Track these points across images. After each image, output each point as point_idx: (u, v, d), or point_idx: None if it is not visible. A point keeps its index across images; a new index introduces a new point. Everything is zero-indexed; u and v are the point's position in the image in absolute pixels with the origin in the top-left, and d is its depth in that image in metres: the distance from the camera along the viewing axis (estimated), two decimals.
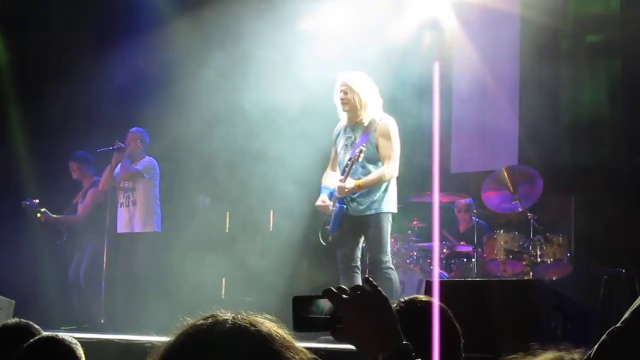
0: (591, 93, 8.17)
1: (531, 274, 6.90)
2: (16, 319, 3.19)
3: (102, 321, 7.53)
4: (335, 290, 1.59)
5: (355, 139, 6.00)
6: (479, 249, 7.37)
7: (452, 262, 7.60)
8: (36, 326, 3.18)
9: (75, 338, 2.91)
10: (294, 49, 7.80)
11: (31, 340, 2.83)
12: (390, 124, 5.96)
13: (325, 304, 1.59)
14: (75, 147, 8.49)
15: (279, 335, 1.38)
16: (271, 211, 8.50)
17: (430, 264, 7.58)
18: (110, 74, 8.44)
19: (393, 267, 6.02)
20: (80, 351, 2.84)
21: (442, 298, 2.45)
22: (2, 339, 3.07)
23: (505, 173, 7.20)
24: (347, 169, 5.86)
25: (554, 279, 7.05)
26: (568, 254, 7.00)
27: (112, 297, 7.75)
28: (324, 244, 6.05)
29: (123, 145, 7.80)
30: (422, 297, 2.54)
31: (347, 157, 5.95)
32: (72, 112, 8.87)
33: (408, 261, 7.70)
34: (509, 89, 8.39)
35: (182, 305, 6.81)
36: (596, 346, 1.62)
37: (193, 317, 1.41)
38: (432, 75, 6.32)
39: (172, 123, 8.23)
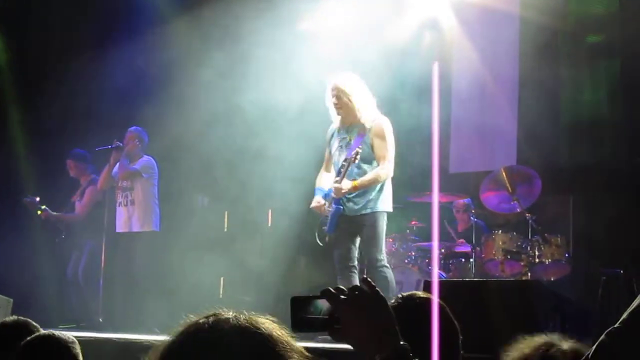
0: (590, 93, 8.17)
1: (529, 274, 6.91)
2: (14, 317, 3.19)
3: (100, 320, 7.52)
4: (333, 290, 1.59)
5: (350, 140, 6.01)
6: (477, 249, 7.37)
7: (450, 262, 7.60)
8: (34, 324, 3.18)
9: (73, 336, 2.91)
10: (294, 49, 7.80)
11: (28, 338, 2.83)
12: (385, 125, 5.97)
13: (323, 304, 1.59)
14: (74, 147, 8.49)
15: (279, 335, 1.38)
16: (270, 211, 8.50)
17: (429, 263, 7.58)
18: (109, 73, 8.44)
19: (388, 265, 6.03)
20: (77, 349, 2.84)
21: (441, 298, 2.45)
22: (1, 337, 3.07)
23: (504, 173, 7.21)
24: (342, 170, 5.88)
25: (552, 279, 7.05)
26: (566, 255, 7.01)
27: (110, 296, 7.75)
28: (320, 244, 6.06)
29: (121, 144, 7.80)
30: (421, 293, 2.53)
31: (342, 158, 5.96)
32: (71, 111, 8.86)
33: (406, 261, 7.71)
34: (508, 89, 8.40)
35: (180, 304, 6.81)
36: (594, 346, 1.62)
37: (194, 316, 1.41)
38: (432, 75, 6.32)
39: (171, 122, 8.23)
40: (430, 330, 2.08)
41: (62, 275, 8.32)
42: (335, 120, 6.10)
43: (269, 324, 1.40)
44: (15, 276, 7.93)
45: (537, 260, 6.93)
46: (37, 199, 8.25)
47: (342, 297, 1.57)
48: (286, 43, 7.83)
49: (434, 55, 8.01)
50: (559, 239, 6.99)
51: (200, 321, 1.39)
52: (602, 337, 1.62)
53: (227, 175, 8.34)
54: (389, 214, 6.10)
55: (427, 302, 2.42)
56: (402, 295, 2.50)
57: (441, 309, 2.39)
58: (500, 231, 7.24)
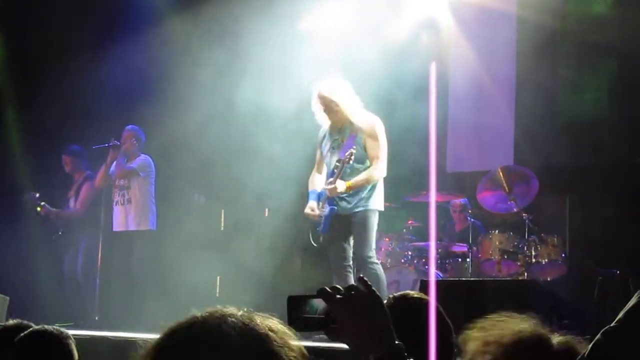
0: (588, 93, 8.17)
1: (526, 274, 6.91)
2: (17, 320, 3.18)
3: (97, 318, 7.52)
4: (329, 290, 1.59)
5: (341, 141, 6.03)
6: (474, 249, 7.38)
7: (447, 261, 7.61)
8: (34, 326, 3.17)
9: (68, 332, 2.91)
10: (291, 48, 7.80)
11: (22, 334, 2.83)
12: (377, 124, 5.99)
13: (319, 303, 1.59)
14: (70, 145, 8.49)
15: (276, 333, 1.37)
16: (266, 210, 8.49)
17: (425, 263, 7.59)
18: (107, 72, 8.43)
19: (378, 262, 6.07)
20: (72, 344, 2.84)
21: (437, 298, 2.45)
22: (2, 339, 3.06)
23: (500, 173, 7.21)
24: (336, 170, 5.90)
25: (548, 279, 7.06)
26: (563, 255, 7.02)
27: (106, 295, 7.75)
28: (315, 245, 6.08)
29: (118, 143, 7.79)
30: (414, 293, 2.54)
31: (335, 159, 5.99)
32: (69, 109, 8.84)
33: (403, 260, 7.72)
34: (505, 89, 8.41)
35: (177, 303, 6.80)
36: (590, 346, 1.63)
37: (188, 313, 1.41)
38: (429, 75, 6.33)
39: (168, 121, 8.22)
40: (422, 330, 2.08)
41: (59, 272, 8.31)
42: (324, 122, 6.12)
43: (266, 321, 1.39)
44: (12, 274, 7.91)
45: (533, 260, 6.93)
46: (37, 195, 8.25)
47: (338, 296, 1.58)
48: (284, 42, 7.83)
49: (432, 55, 8.00)
50: (555, 239, 6.99)
51: (194, 318, 1.38)
52: (598, 336, 1.62)
53: (223, 174, 8.34)
54: (384, 212, 6.12)
55: (420, 301, 2.43)
56: (394, 295, 2.51)
57: (435, 309, 2.39)
58: (497, 231, 7.25)
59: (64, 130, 8.86)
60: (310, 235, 6.10)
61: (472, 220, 7.67)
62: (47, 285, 8.40)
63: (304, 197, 6.42)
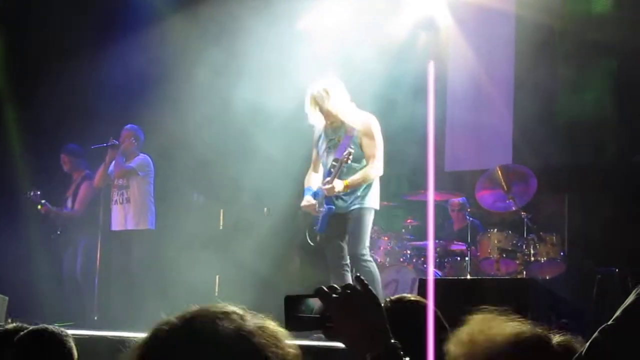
0: (586, 92, 8.18)
1: (525, 272, 6.92)
2: (17, 323, 3.18)
3: (96, 318, 7.52)
4: (326, 289, 1.59)
5: (338, 140, 6.04)
6: (473, 248, 7.38)
7: (446, 260, 7.61)
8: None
9: (67, 332, 2.91)
10: (290, 48, 7.80)
11: (22, 333, 2.83)
12: (372, 123, 6.00)
13: (315, 302, 1.60)
14: (69, 144, 8.50)
15: (264, 331, 1.36)
16: (265, 209, 8.49)
17: (424, 262, 7.59)
18: (105, 71, 8.43)
19: (372, 259, 6.08)
20: (71, 342, 2.85)
21: (436, 296, 2.46)
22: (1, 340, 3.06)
23: (499, 172, 7.22)
24: (333, 170, 5.90)
25: (547, 277, 7.06)
26: (561, 253, 7.02)
27: (106, 294, 7.75)
28: (311, 244, 6.09)
29: (117, 142, 7.80)
30: (410, 295, 2.55)
31: (331, 158, 5.99)
32: (67, 109, 8.84)
33: (402, 259, 7.72)
34: (504, 88, 8.41)
35: (176, 302, 6.80)
36: (588, 343, 1.63)
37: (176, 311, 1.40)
38: (427, 74, 6.33)
39: (167, 121, 8.22)
40: (420, 333, 2.08)
41: (58, 272, 8.31)
42: (319, 123, 6.12)
43: (255, 319, 1.38)
44: (11, 274, 7.91)
45: (532, 258, 6.94)
46: (39, 192, 8.25)
47: (334, 295, 1.58)
48: (282, 42, 7.83)
49: (430, 54, 8.01)
50: (554, 237, 7.00)
51: (178, 316, 1.37)
52: (596, 334, 1.63)
53: (223, 174, 8.35)
54: (383, 211, 6.12)
55: (417, 304, 2.43)
56: (391, 299, 2.51)
57: (429, 310, 2.39)
58: (495, 230, 7.25)
59: (63, 129, 8.86)
60: (307, 234, 6.10)
61: (471, 219, 7.67)
62: (47, 285, 8.40)
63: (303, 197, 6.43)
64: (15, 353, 2.78)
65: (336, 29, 7.85)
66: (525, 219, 7.09)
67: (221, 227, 8.74)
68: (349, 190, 5.93)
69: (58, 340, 2.82)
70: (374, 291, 1.62)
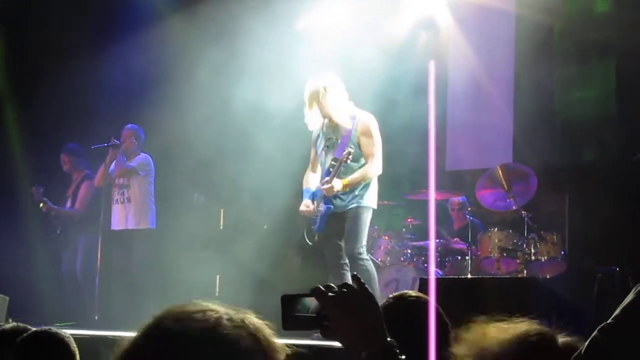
0: (586, 91, 8.18)
1: (525, 271, 6.91)
2: (14, 323, 3.18)
3: (96, 318, 7.52)
4: (322, 288, 1.59)
5: (336, 139, 6.03)
6: (473, 247, 7.38)
7: (446, 259, 7.61)
8: (32, 328, 3.17)
9: (69, 334, 2.91)
10: (290, 48, 7.79)
11: (25, 335, 2.82)
12: (370, 122, 5.98)
13: (311, 302, 1.60)
14: (69, 143, 8.50)
15: (243, 325, 1.34)
16: (265, 208, 8.50)
17: (425, 261, 7.59)
18: (106, 71, 8.43)
19: (368, 257, 6.07)
20: (73, 345, 2.84)
21: (437, 295, 2.46)
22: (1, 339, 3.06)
23: (499, 171, 7.21)
24: (332, 169, 5.89)
25: (547, 277, 7.06)
26: (562, 252, 7.02)
27: (106, 294, 7.75)
28: (310, 243, 6.09)
29: (118, 142, 7.80)
30: (412, 292, 2.54)
31: (330, 158, 5.99)
32: (68, 109, 8.84)
33: (402, 259, 7.72)
34: (504, 87, 8.41)
35: (176, 302, 6.78)
36: (587, 342, 1.63)
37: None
38: (428, 74, 6.34)
39: (168, 120, 8.22)
40: (421, 329, 2.08)
41: (58, 272, 8.32)
42: (317, 123, 6.10)
43: (245, 316, 1.36)
44: (11, 274, 7.91)
45: (532, 257, 6.93)
46: (42, 190, 8.25)
47: (330, 294, 1.58)
48: (282, 42, 7.83)
49: (430, 54, 8.01)
50: (554, 236, 6.99)
51: (168, 313, 1.36)
52: (595, 333, 1.63)
53: (223, 174, 8.35)
54: (384, 211, 6.12)
55: (418, 301, 2.43)
56: (393, 295, 2.51)
57: (431, 307, 2.39)
58: (496, 229, 7.24)
59: (63, 129, 8.87)
60: (305, 234, 6.11)
61: (471, 218, 7.67)
62: (47, 285, 8.40)
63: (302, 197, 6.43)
64: (16, 355, 2.77)
65: (336, 29, 7.84)
66: (526, 218, 7.09)
67: (221, 227, 8.74)
68: (347, 190, 5.93)
69: (62, 343, 2.81)
70: (370, 290, 1.62)
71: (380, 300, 2.01)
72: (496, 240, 7.11)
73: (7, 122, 9.20)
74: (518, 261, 7.00)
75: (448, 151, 8.58)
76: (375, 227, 7.67)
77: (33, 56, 9.16)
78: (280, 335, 1.40)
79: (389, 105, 7.67)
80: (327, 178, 5.91)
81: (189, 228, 8.24)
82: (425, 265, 7.53)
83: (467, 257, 7.34)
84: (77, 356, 2.85)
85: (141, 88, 8.34)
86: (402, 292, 2.51)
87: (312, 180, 6.21)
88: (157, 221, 7.80)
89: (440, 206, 8.19)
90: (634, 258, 6.68)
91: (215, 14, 8.05)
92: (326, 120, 6.06)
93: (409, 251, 7.75)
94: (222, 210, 8.78)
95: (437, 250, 7.58)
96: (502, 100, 8.36)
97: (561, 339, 1.88)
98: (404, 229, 8.05)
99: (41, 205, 8.21)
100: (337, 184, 5.84)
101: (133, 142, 7.80)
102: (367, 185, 5.97)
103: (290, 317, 1.59)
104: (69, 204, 8.34)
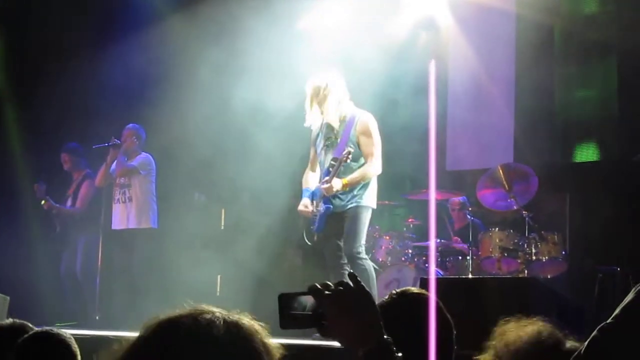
0: (587, 91, 8.18)
1: (526, 271, 6.91)
2: (10, 320, 3.18)
3: (97, 317, 7.52)
4: (319, 286, 1.59)
5: (335, 139, 6.02)
6: (474, 247, 7.37)
7: (447, 259, 7.60)
8: (31, 326, 3.17)
9: (70, 334, 2.91)
10: (290, 48, 7.79)
11: (26, 336, 2.82)
12: (370, 121, 5.97)
13: (307, 300, 1.60)
14: (69, 142, 8.50)
15: (238, 327, 1.35)
16: (266, 209, 8.49)
17: (425, 261, 7.59)
18: (106, 71, 8.44)
19: (367, 257, 6.06)
20: (74, 346, 2.84)
21: (438, 295, 2.45)
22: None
23: (500, 171, 7.21)
24: (331, 169, 5.88)
25: (548, 276, 7.06)
26: (563, 252, 7.01)
27: (107, 294, 7.74)
28: (309, 243, 6.08)
29: (119, 141, 7.81)
30: (414, 289, 2.53)
31: (329, 157, 5.98)
32: (69, 109, 8.85)
33: (403, 259, 7.72)
34: (504, 87, 8.41)
35: (177, 301, 6.78)
36: (587, 342, 1.63)
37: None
38: (428, 74, 6.33)
39: (169, 120, 8.22)
40: (423, 326, 2.08)
41: (58, 272, 8.31)
42: (317, 121, 6.10)
43: (238, 318, 1.37)
44: (12, 273, 7.91)
45: (533, 257, 6.93)
46: (44, 187, 8.24)
47: (327, 292, 1.58)
48: (282, 42, 7.82)
49: (431, 54, 8.01)
50: (555, 236, 6.98)
51: (165, 318, 1.36)
52: (595, 332, 1.63)
53: (224, 174, 8.35)
54: (385, 210, 6.11)
55: (420, 297, 2.42)
56: (396, 292, 2.50)
57: (435, 305, 2.39)
58: (496, 229, 7.24)
59: (63, 129, 8.87)
60: (305, 234, 6.10)
61: (472, 218, 7.67)
62: (47, 285, 8.40)
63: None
64: (17, 356, 2.77)
65: (336, 29, 7.83)
66: (527, 218, 7.08)
67: (222, 227, 8.74)
68: (347, 189, 5.92)
69: (63, 344, 2.80)
70: (367, 288, 1.61)
71: (375, 300, 2.01)
72: (497, 240, 7.10)
73: (7, 122, 9.20)
74: (519, 261, 6.99)
75: (448, 151, 8.57)
76: (376, 227, 7.66)
77: (33, 56, 9.16)
78: (279, 335, 1.40)
79: (389, 105, 7.67)
80: (327, 178, 5.91)
81: (189, 228, 8.24)
82: (426, 265, 7.52)
83: (467, 257, 7.34)
84: (79, 357, 2.84)
85: (141, 88, 8.34)
86: (404, 288, 2.51)
87: (312, 180, 6.20)
88: (158, 220, 7.80)
89: (441, 206, 8.19)
90: (635, 258, 6.68)
91: (215, 14, 8.05)
92: (325, 119, 6.05)
93: (410, 251, 7.75)
94: (223, 210, 8.78)
95: (438, 251, 7.57)
96: (502, 100, 8.36)
97: (569, 342, 1.88)
98: (405, 229, 8.04)
99: (43, 202, 8.20)
100: (337, 184, 5.84)
101: (134, 141, 7.81)
102: (366, 185, 5.97)
103: (287, 315, 1.59)
104: (69, 203, 8.34)
